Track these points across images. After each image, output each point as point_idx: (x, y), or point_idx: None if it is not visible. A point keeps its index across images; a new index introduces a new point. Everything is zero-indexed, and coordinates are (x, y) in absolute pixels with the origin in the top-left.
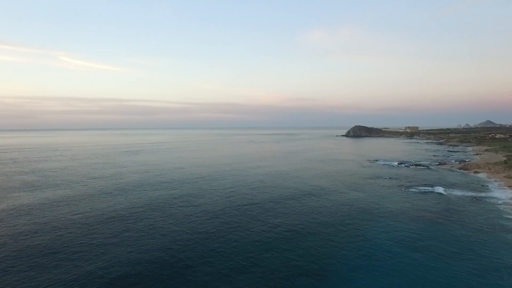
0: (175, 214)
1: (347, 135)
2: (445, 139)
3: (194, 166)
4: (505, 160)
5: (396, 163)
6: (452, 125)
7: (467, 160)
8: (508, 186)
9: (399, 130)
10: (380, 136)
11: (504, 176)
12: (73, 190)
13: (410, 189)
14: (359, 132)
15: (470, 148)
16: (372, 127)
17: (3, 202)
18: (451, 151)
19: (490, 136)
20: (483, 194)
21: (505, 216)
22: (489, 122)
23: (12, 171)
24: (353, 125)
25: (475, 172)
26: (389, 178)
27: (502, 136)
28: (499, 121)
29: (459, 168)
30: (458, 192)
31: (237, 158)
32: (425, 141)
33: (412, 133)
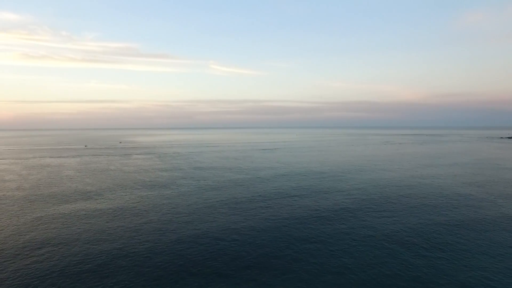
0: (292, 212)
1: None
2: None
3: (324, 165)
4: None
5: None
6: None
7: None
8: None
9: None
10: None
11: None
12: (216, 181)
13: None
14: None
15: None
16: None
17: (169, 188)
18: None
19: None
20: None
21: None
22: None
23: (177, 162)
24: None
25: None
26: None
27: None
28: None
29: None
30: None
31: (371, 159)
32: None
33: None
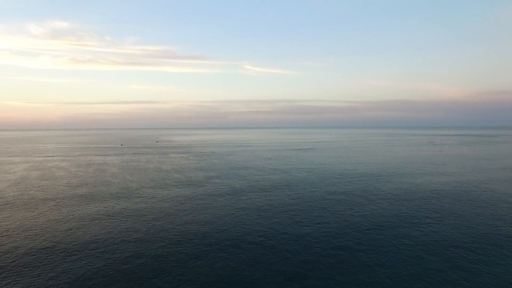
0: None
1: None
2: None
3: (361, 167)
4: None
5: None
6: None
7: None
8: None
9: None
10: None
11: None
12: (251, 181)
13: None
14: None
15: None
16: None
17: (205, 186)
18: None
19: None
20: None
21: None
22: None
23: (212, 161)
24: None
25: None
26: None
27: None
28: None
29: None
30: None
31: (412, 161)
32: None
33: None
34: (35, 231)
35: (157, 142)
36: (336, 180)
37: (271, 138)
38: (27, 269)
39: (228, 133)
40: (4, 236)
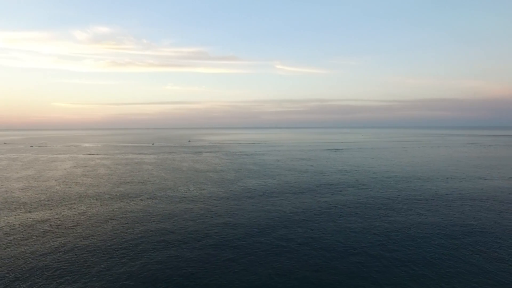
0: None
1: None
2: None
3: (398, 169)
4: None
5: None
6: None
7: None
8: None
9: None
10: None
11: None
12: (279, 181)
13: None
14: None
15: None
16: None
17: (236, 184)
18: None
19: None
20: None
21: None
22: None
23: (242, 161)
24: None
25: None
26: None
27: None
28: None
29: None
30: None
31: (454, 164)
32: None
33: None
34: (82, 227)
35: (189, 141)
36: (371, 183)
37: (303, 138)
38: (81, 267)
39: (260, 133)
40: (55, 231)
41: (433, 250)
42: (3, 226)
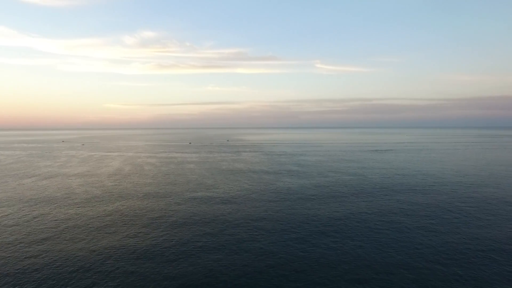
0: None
1: None
2: None
3: (449, 173)
4: None
5: None
6: None
7: None
8: None
9: None
10: None
11: None
12: (320, 181)
13: None
14: None
15: None
16: None
17: (275, 183)
18: None
19: None
20: None
21: None
22: None
23: (283, 161)
24: None
25: None
26: None
27: None
28: None
29: None
30: None
31: (502, 167)
32: None
33: None
34: (132, 222)
35: (227, 141)
36: (417, 187)
37: (343, 138)
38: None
39: (300, 133)
40: (107, 225)
41: None
42: (64, 220)
